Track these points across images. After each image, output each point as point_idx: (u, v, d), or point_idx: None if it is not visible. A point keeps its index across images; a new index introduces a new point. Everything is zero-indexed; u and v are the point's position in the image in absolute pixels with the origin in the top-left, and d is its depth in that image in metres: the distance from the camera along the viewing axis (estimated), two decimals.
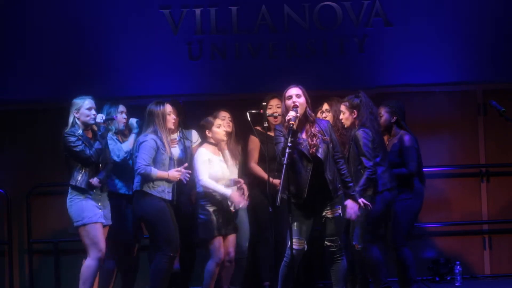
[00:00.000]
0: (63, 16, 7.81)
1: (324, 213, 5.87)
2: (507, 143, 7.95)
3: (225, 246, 6.46)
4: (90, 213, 6.01)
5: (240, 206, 6.44)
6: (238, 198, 6.40)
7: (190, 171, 6.32)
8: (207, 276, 6.38)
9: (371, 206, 5.99)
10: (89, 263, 6.04)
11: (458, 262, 7.51)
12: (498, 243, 7.96)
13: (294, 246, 5.72)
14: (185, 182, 6.33)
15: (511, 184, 7.97)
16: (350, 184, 5.89)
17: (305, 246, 5.83)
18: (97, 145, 6.05)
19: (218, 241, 6.38)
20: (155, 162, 6.19)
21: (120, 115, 6.50)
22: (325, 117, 6.63)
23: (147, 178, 6.15)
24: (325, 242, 5.88)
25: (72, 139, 5.98)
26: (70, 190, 6.06)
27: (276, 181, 6.39)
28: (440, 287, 7.52)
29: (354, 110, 6.19)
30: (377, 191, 6.11)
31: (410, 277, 6.47)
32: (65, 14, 7.82)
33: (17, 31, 7.82)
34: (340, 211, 5.91)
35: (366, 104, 6.19)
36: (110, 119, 6.34)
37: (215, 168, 6.43)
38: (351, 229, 6.34)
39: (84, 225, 6.00)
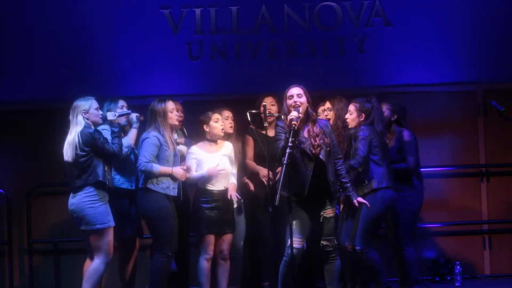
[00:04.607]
0: (62, 16, 7.80)
1: (322, 213, 5.88)
2: (507, 143, 7.94)
3: (218, 244, 6.46)
4: (111, 217, 6.07)
5: (234, 198, 6.44)
6: (215, 171, 6.38)
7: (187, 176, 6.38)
8: (199, 273, 6.41)
9: (369, 205, 6.00)
10: (98, 267, 6.05)
11: (458, 262, 7.52)
12: (498, 243, 7.96)
13: (294, 245, 5.72)
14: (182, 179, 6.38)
15: (511, 184, 7.97)
16: (347, 185, 5.93)
17: (305, 244, 5.84)
18: (117, 141, 6.12)
19: (208, 238, 6.39)
20: (159, 158, 6.20)
21: (121, 110, 6.51)
22: (326, 115, 6.63)
23: (149, 175, 6.16)
24: (321, 242, 5.90)
25: (100, 136, 6.05)
26: (91, 191, 6.02)
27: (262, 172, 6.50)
28: (440, 287, 7.52)
29: (363, 114, 6.19)
30: (373, 188, 6.11)
31: (411, 277, 6.47)
32: (65, 14, 7.81)
33: (18, 32, 7.82)
34: (338, 211, 5.92)
35: (377, 109, 6.20)
36: (124, 115, 6.36)
37: (208, 164, 6.41)
38: (344, 229, 6.35)
39: (108, 227, 6.03)
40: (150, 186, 6.18)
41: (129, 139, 6.39)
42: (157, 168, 6.16)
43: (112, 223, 6.06)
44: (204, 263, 6.40)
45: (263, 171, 6.67)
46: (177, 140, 6.53)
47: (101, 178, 6.01)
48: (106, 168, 6.07)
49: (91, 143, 6.01)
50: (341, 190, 5.97)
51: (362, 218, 6.08)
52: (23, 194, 7.80)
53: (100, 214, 6.00)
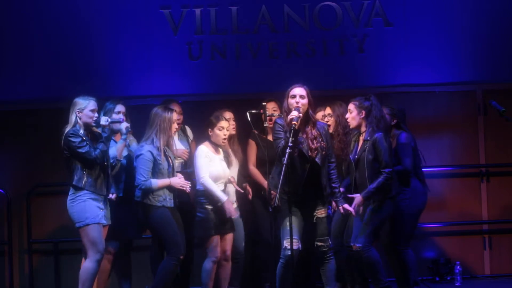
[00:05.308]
0: (62, 16, 7.80)
1: (315, 213, 5.89)
2: (507, 143, 7.95)
3: (222, 245, 6.45)
4: (92, 214, 6.00)
5: (232, 216, 6.42)
6: (230, 207, 6.39)
7: (190, 183, 6.35)
8: (204, 275, 6.38)
9: (354, 212, 6.00)
10: (87, 265, 6.02)
11: (458, 262, 7.52)
12: (498, 243, 7.96)
13: (290, 246, 5.72)
14: (188, 191, 6.36)
15: (511, 184, 7.97)
16: (336, 190, 5.95)
17: (300, 245, 5.84)
18: (101, 146, 6.05)
19: (215, 239, 6.37)
20: (153, 172, 6.22)
21: (117, 115, 6.48)
22: (327, 121, 6.60)
23: (148, 191, 6.18)
24: (316, 243, 5.91)
25: (76, 139, 5.97)
26: (72, 190, 6.03)
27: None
28: (440, 287, 7.52)
29: (363, 111, 6.15)
30: (392, 195, 6.10)
31: (411, 278, 6.46)
32: (65, 14, 7.81)
33: (17, 32, 7.81)
34: (330, 211, 5.92)
35: (377, 107, 6.16)
36: (116, 122, 6.34)
37: (215, 167, 6.42)
38: (346, 230, 6.35)
39: (87, 225, 5.99)
40: (147, 202, 6.21)
41: (115, 150, 6.34)
42: (156, 183, 6.19)
43: (92, 220, 5.97)
44: (211, 265, 6.37)
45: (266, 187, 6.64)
46: (178, 153, 6.56)
47: (74, 182, 5.99)
48: (85, 171, 6.02)
49: (66, 144, 5.99)
50: (329, 193, 5.95)
51: (374, 219, 6.05)
52: (23, 194, 7.80)
53: (78, 212, 5.99)
